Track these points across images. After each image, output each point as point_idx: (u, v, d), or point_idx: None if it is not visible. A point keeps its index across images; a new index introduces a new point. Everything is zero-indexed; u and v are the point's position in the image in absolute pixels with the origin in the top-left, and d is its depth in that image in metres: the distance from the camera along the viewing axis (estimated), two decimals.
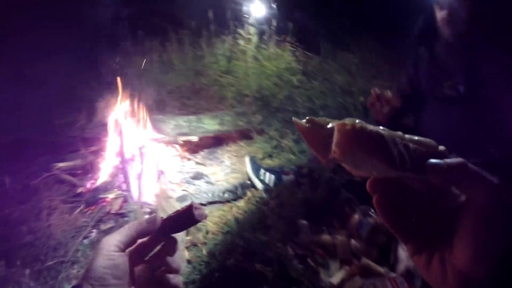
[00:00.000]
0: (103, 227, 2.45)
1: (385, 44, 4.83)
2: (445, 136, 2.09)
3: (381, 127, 0.45)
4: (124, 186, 2.70)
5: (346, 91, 3.97)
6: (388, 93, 2.17)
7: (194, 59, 5.08)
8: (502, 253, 0.43)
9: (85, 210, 2.59)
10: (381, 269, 1.91)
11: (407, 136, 0.46)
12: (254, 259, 1.93)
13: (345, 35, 5.20)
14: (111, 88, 3.84)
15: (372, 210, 2.20)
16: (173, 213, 0.79)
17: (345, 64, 4.82)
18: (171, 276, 0.78)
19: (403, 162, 0.43)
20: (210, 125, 3.05)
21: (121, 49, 4.98)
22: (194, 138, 3.02)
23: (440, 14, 1.92)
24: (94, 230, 2.42)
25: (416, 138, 0.46)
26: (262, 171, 2.50)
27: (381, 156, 0.43)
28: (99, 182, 2.80)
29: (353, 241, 2.04)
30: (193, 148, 3.12)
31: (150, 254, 0.82)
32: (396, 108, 2.18)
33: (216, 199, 2.53)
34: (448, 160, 0.44)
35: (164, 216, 0.79)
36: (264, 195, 2.41)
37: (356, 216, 2.14)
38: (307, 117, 0.49)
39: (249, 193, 2.47)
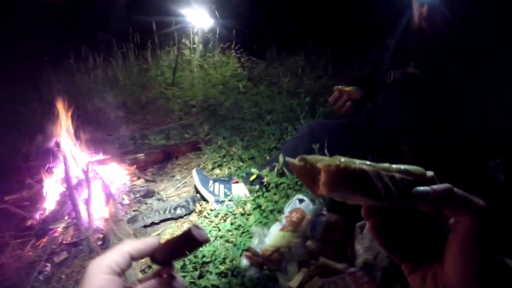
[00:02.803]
0: (57, 259, 2.33)
1: (331, 45, 4.96)
2: (401, 113, 2.33)
3: (367, 162, 0.47)
4: (73, 214, 2.60)
5: (292, 93, 4.02)
6: (350, 89, 2.37)
7: (139, 73, 5.00)
8: (490, 273, 0.45)
9: (37, 243, 2.47)
10: (340, 266, 1.91)
11: (394, 166, 0.48)
12: (209, 273, 1.91)
13: (290, 38, 5.27)
14: (54, 110, 3.72)
15: (325, 209, 2.23)
16: (172, 237, 0.67)
17: (291, 67, 4.88)
18: None
19: (388, 194, 0.46)
20: (156, 140, 2.99)
21: (64, 67, 4.83)
22: (141, 156, 2.95)
23: (419, 10, 2.23)
24: (48, 264, 2.31)
25: (403, 167, 0.48)
26: (210, 182, 2.48)
27: (364, 192, 0.46)
28: (47, 212, 2.69)
29: (308, 242, 2.05)
30: (141, 165, 3.06)
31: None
32: (357, 100, 2.38)
33: (169, 216, 2.48)
34: (434, 187, 0.46)
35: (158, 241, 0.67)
36: (215, 206, 2.39)
37: (309, 217, 2.15)
38: (299, 156, 0.52)
39: (199, 206, 2.44)
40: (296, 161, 0.52)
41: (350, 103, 2.38)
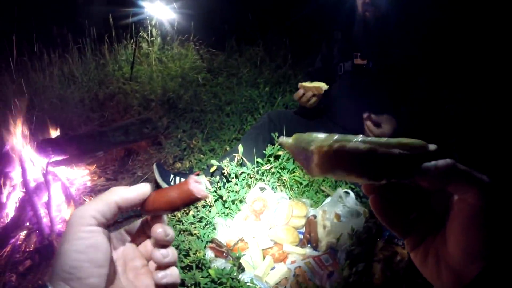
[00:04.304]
0: (22, 268, 2.27)
1: (289, 36, 5.00)
2: (354, 103, 2.40)
3: (360, 138, 0.45)
4: (34, 219, 2.53)
5: (252, 83, 4.03)
6: (314, 85, 2.40)
7: (96, 69, 4.89)
8: (493, 252, 0.43)
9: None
10: (304, 251, 1.96)
11: (393, 140, 0.45)
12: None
13: (249, 29, 5.26)
14: (9, 111, 3.58)
15: (286, 196, 2.27)
16: (167, 188, 0.60)
17: (250, 57, 4.88)
18: (162, 274, 0.58)
19: (386, 172, 0.44)
20: (115, 137, 2.95)
21: (18, 65, 4.65)
22: (100, 154, 2.91)
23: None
24: (14, 274, 2.24)
25: (404, 141, 0.45)
26: (171, 176, 2.48)
27: (359, 173, 0.44)
28: (7, 219, 2.61)
29: (271, 230, 2.09)
30: (102, 164, 3.01)
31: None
32: (321, 96, 2.42)
33: (132, 213, 2.47)
34: (436, 163, 0.44)
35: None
36: None
37: (271, 205, 2.19)
38: (294, 134, 0.50)
39: None
40: (289, 140, 0.50)
41: (315, 99, 2.42)
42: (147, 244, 0.62)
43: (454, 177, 0.43)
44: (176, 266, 0.60)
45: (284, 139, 0.51)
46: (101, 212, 0.53)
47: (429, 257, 0.49)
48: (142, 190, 0.58)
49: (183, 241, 2.04)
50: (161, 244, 0.59)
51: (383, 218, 0.51)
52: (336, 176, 0.46)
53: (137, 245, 0.62)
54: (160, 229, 0.58)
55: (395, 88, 2.35)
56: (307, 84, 2.41)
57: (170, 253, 0.59)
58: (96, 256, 0.50)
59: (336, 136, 0.45)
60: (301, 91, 2.45)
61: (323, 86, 2.38)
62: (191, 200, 0.59)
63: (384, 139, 0.45)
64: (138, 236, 0.62)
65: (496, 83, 3.05)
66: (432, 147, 0.46)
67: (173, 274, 0.59)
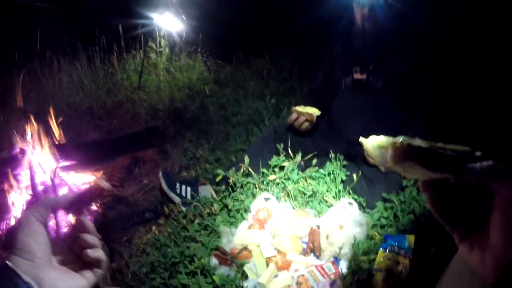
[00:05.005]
0: None
1: (295, 48, 5.04)
2: (357, 118, 2.46)
3: (423, 141, 0.57)
4: None
5: (258, 95, 4.08)
6: (307, 111, 2.43)
7: (105, 77, 4.96)
8: None
9: (5, 254, 2.42)
10: (307, 260, 1.98)
11: (445, 145, 0.57)
12: (179, 273, 1.94)
13: (257, 42, 5.31)
14: (19, 115, 3.63)
15: (290, 206, 2.30)
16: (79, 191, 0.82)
17: (257, 70, 4.93)
18: (89, 250, 0.75)
19: (441, 166, 0.55)
20: (122, 145, 3.00)
21: (28, 71, 4.72)
22: (107, 161, 2.95)
23: (360, 12, 2.32)
24: None
25: (454, 146, 0.57)
26: (177, 184, 2.51)
27: (423, 163, 0.56)
28: (13, 221, 2.64)
29: (275, 238, 2.10)
30: (108, 171, 3.05)
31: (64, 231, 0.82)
32: (313, 122, 2.46)
33: (137, 220, 2.50)
34: (480, 163, 0.54)
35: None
36: (182, 208, 2.42)
37: (275, 214, 2.21)
38: (370, 136, 0.65)
39: (167, 209, 2.45)
40: (369, 140, 0.65)
41: (307, 124, 2.47)
42: (78, 241, 0.78)
43: (494, 174, 0.53)
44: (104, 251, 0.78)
45: (363, 139, 0.67)
46: (39, 212, 0.72)
47: (475, 249, 0.58)
48: (68, 195, 0.78)
49: (188, 247, 2.07)
50: (86, 232, 0.77)
51: (436, 213, 0.62)
52: (404, 167, 0.59)
53: (70, 242, 0.79)
54: (83, 218, 0.78)
55: (396, 102, 2.38)
56: (300, 109, 2.45)
57: (94, 237, 0.77)
58: (38, 237, 0.70)
59: (402, 137, 0.59)
60: (294, 116, 2.48)
61: (315, 112, 2.43)
62: (96, 192, 0.78)
63: (440, 144, 0.57)
64: (69, 234, 0.80)
65: (504, 90, 3.02)
66: (477, 153, 0.56)
67: (99, 253, 0.75)
